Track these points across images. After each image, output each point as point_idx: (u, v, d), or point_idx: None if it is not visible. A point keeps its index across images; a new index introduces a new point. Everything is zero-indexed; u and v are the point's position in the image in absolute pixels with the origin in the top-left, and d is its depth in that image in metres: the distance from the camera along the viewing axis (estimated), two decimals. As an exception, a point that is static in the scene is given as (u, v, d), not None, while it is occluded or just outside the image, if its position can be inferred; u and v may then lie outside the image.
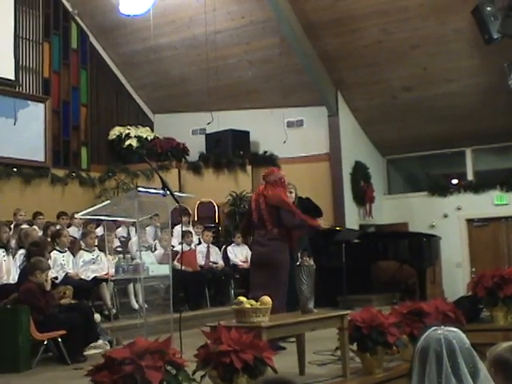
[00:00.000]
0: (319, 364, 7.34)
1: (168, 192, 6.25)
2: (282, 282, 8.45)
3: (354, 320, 6.65)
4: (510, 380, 3.78)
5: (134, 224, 13.19)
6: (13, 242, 11.06)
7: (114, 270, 10.72)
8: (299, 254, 8.92)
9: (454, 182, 17.50)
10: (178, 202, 6.25)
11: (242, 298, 6.07)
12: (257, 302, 6.04)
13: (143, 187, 7.73)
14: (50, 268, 9.23)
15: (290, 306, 7.92)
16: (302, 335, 6.93)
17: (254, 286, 8.62)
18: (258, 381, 3.02)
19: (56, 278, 10.57)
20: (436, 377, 3.20)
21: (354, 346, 6.77)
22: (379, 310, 6.96)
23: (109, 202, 6.56)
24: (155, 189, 6.75)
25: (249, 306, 5.93)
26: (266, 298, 6.03)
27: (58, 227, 12.59)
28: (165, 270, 7.54)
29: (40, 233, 12.49)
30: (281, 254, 8.62)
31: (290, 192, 9.73)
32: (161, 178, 6.79)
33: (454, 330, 3.34)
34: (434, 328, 3.36)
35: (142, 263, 6.40)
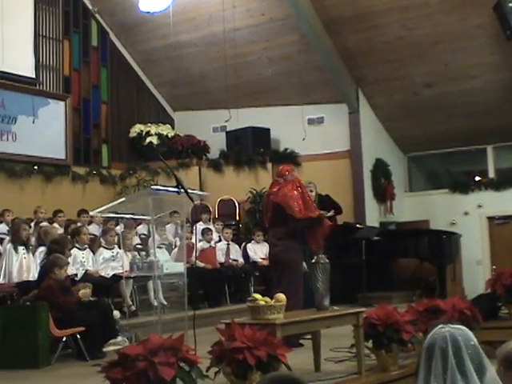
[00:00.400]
0: (336, 361, 7.34)
1: (182, 190, 6.27)
2: (295, 280, 8.44)
3: (369, 317, 6.64)
4: (520, 377, 3.77)
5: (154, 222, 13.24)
6: (33, 240, 11.14)
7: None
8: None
9: (477, 179, 17.40)
10: (192, 200, 6.27)
11: (256, 296, 6.08)
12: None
13: (160, 185, 7.78)
14: (68, 263, 9.30)
15: (306, 303, 7.90)
16: (318, 332, 6.93)
17: (274, 285, 8.69)
18: (264, 377, 3.02)
19: (76, 275, 10.64)
20: (441, 373, 3.20)
21: (370, 343, 6.76)
22: (395, 307, 6.95)
23: (123, 199, 6.58)
24: (170, 187, 6.78)
25: (263, 303, 5.93)
26: (281, 295, 6.04)
27: (78, 225, 12.66)
28: (180, 267, 7.55)
29: (61, 230, 12.57)
30: (290, 253, 8.63)
31: (311, 191, 9.74)
32: (175, 175, 6.82)
33: (461, 327, 3.34)
34: (441, 326, 3.36)
35: (157, 261, 6.40)
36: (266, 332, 5.42)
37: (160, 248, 12.46)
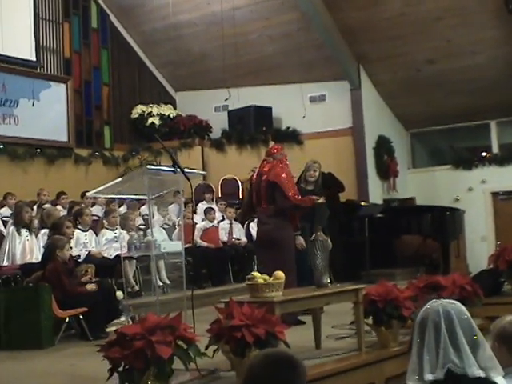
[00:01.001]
0: (337, 338, 7.34)
1: (178, 169, 6.27)
2: (288, 258, 8.44)
3: (369, 294, 6.64)
4: (514, 353, 3.78)
5: (156, 202, 13.30)
6: (36, 222, 11.16)
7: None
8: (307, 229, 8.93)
9: (483, 154, 17.34)
10: (188, 179, 6.26)
11: (255, 273, 6.08)
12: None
13: (160, 165, 7.80)
14: (68, 241, 9.30)
15: (306, 281, 7.89)
16: (318, 309, 6.95)
17: (261, 264, 8.72)
18: (259, 354, 3.04)
19: (79, 256, 10.65)
20: (434, 347, 3.22)
21: (370, 320, 6.77)
22: (395, 284, 6.95)
23: (120, 180, 6.57)
24: (166, 166, 6.79)
25: (262, 282, 5.94)
26: (280, 273, 6.04)
27: (82, 206, 12.68)
28: (177, 246, 7.55)
29: (64, 212, 12.60)
30: (281, 231, 8.64)
31: (315, 171, 9.71)
32: (170, 154, 6.85)
33: (453, 301, 3.36)
34: (434, 300, 3.37)
35: (154, 240, 6.40)
36: (264, 310, 5.43)
37: (167, 227, 12.53)
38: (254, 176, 9.09)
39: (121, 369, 4.77)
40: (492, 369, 3.29)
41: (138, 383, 4.72)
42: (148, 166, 6.33)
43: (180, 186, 6.93)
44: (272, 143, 16.47)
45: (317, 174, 9.72)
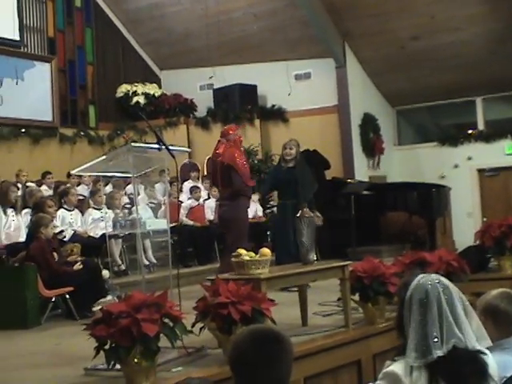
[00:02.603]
0: (324, 315, 7.35)
1: (163, 146, 6.24)
2: (239, 236, 8.77)
3: (355, 270, 6.63)
4: (499, 325, 3.86)
5: (143, 181, 13.27)
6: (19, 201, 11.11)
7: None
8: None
9: (469, 132, 17.34)
10: (173, 157, 6.22)
11: (241, 251, 6.06)
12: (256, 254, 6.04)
13: (147, 143, 7.76)
14: (52, 220, 9.30)
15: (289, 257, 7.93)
16: (304, 286, 6.94)
17: (226, 244, 8.96)
18: (243, 330, 3.03)
19: (61, 232, 10.57)
20: (438, 322, 3.22)
21: (357, 297, 6.77)
22: (380, 260, 6.93)
23: (104, 157, 6.53)
24: (151, 143, 6.76)
25: (248, 259, 5.93)
26: (266, 250, 6.03)
27: (67, 186, 12.63)
28: (163, 224, 7.55)
29: (50, 192, 12.55)
30: (235, 212, 9.08)
31: (291, 149, 9.76)
32: (155, 132, 6.81)
33: (437, 276, 3.38)
34: (422, 275, 3.37)
35: (139, 218, 6.37)
36: (250, 286, 5.42)
37: (153, 206, 12.51)
38: (210, 158, 9.32)
39: (107, 347, 4.75)
40: (481, 339, 3.37)
41: (124, 361, 4.70)
42: (133, 144, 6.27)
43: (165, 163, 6.89)
44: (257, 121, 16.51)
45: (293, 151, 9.79)
